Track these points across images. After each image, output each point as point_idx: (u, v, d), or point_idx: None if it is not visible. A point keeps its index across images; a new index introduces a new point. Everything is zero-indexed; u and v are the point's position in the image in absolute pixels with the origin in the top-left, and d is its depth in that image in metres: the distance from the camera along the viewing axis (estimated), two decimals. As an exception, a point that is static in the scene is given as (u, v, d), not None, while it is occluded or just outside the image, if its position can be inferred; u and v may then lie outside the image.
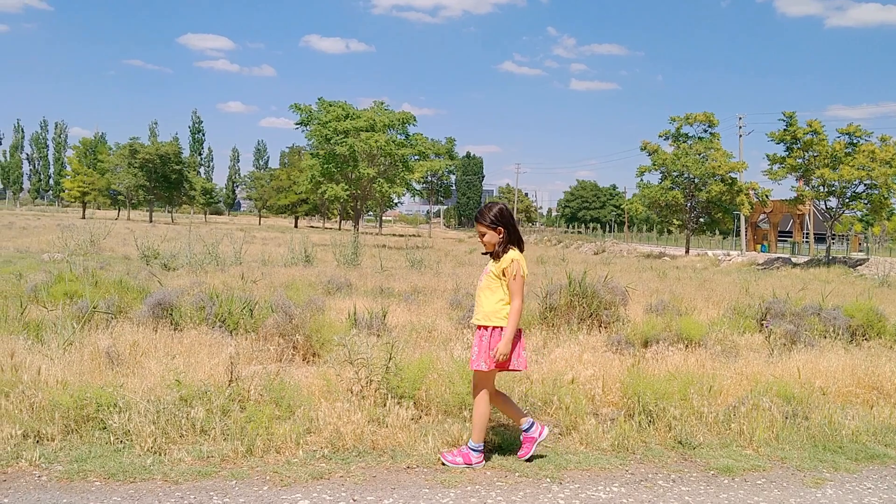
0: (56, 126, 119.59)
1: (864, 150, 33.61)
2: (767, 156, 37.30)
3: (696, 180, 43.41)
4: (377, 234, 69.29)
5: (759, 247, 58.55)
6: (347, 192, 45.68)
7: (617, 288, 10.40)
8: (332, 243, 23.87)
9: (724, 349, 8.43)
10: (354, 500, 4.26)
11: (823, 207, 37.95)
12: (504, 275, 4.83)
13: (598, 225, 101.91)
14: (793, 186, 38.91)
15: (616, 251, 47.28)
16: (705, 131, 44.91)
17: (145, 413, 5.02)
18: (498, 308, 4.84)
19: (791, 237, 62.82)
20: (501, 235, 4.90)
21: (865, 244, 51.30)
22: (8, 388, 5.20)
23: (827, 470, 5.16)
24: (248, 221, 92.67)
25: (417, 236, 64.97)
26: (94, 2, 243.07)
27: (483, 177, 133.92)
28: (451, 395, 5.80)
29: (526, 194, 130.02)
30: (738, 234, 57.29)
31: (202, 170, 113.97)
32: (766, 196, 44.01)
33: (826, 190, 35.44)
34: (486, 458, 4.99)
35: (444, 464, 4.87)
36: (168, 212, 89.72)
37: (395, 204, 76.24)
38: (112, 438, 4.92)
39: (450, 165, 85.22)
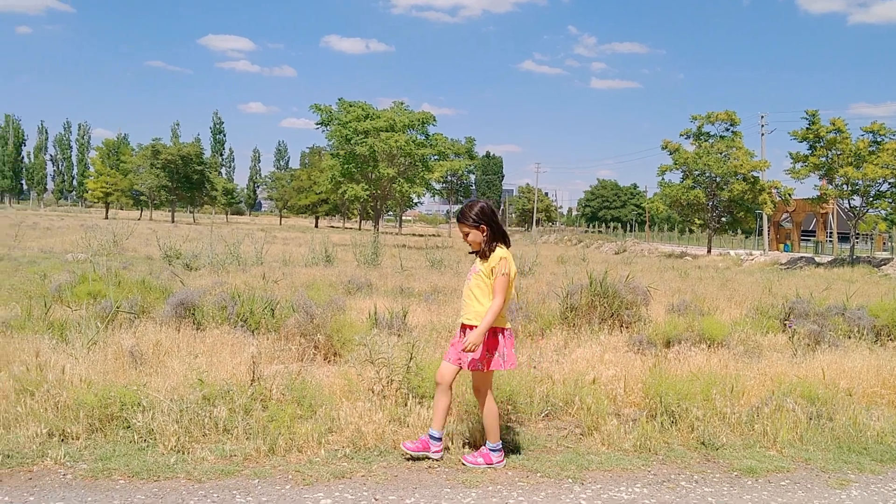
0: (79, 127, 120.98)
1: (888, 149, 33.20)
2: (790, 154, 36.97)
3: (718, 179, 43.09)
4: (397, 233, 69.42)
5: (781, 246, 58.11)
6: (367, 192, 45.79)
7: (638, 288, 10.35)
8: (352, 243, 23.94)
9: (747, 349, 8.36)
10: (376, 500, 4.26)
11: (847, 206, 37.56)
12: (492, 274, 4.80)
13: (619, 224, 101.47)
14: (816, 185, 38.63)
15: (637, 251, 47.06)
16: (727, 130, 44.59)
17: (168, 412, 5.06)
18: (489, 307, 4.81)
19: (814, 236, 62.28)
20: (485, 233, 4.87)
21: (890, 243, 50.72)
22: (33, 387, 5.26)
23: (852, 471, 5.11)
24: (269, 221, 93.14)
25: (437, 236, 65.02)
26: (115, 3, 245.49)
27: (503, 176, 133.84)
28: (471, 396, 5.78)
29: (546, 194, 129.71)
30: (760, 234, 56.85)
31: (223, 170, 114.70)
32: (789, 195, 43.61)
33: (850, 188, 35.06)
34: (506, 455, 4.99)
35: (465, 465, 4.87)
36: (190, 212, 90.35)
37: (415, 204, 76.29)
38: (136, 437, 4.97)
39: (469, 165, 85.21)
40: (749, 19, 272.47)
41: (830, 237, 59.22)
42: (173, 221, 69.08)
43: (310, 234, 46.85)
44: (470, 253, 5.07)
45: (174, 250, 18.89)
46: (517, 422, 5.74)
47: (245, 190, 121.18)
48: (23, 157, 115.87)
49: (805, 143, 35.88)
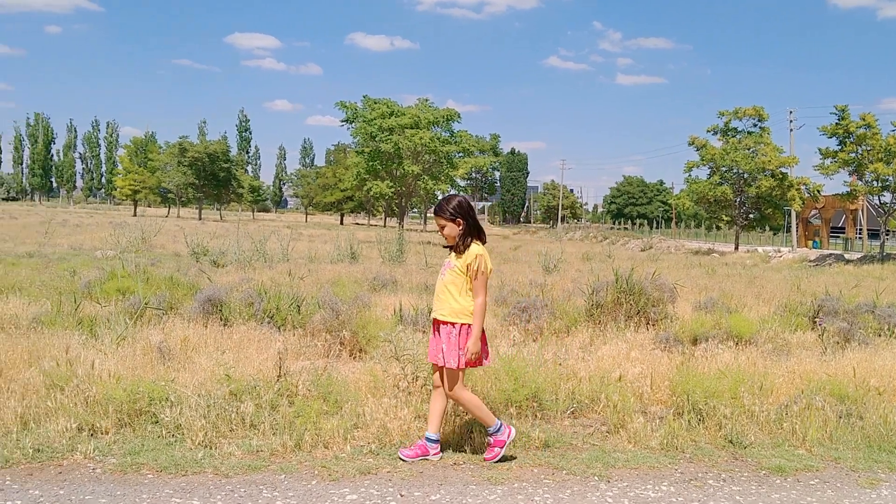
0: (108, 125, 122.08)
1: (919, 144, 32.71)
2: (819, 150, 36.53)
3: (746, 175, 42.65)
4: (422, 230, 69.48)
5: (810, 243, 57.38)
6: (392, 189, 45.93)
7: (665, 285, 10.28)
8: (377, 240, 24.02)
9: (776, 347, 8.28)
10: (402, 496, 4.27)
11: (877, 203, 37.06)
12: (468, 270, 4.77)
13: (645, 221, 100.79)
14: (845, 181, 38.05)
15: (663, 248, 46.75)
16: (755, 125, 44.09)
17: (196, 407, 5.10)
18: (466, 304, 4.78)
19: (843, 233, 61.48)
20: (461, 227, 4.84)
21: (921, 240, 49.97)
22: (63, 381, 5.33)
23: (882, 470, 5.04)
24: (295, 219, 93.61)
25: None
26: (143, 2, 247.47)
27: (527, 173, 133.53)
28: (496, 392, 5.79)
29: (571, 190, 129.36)
30: (788, 231, 56.22)
31: (250, 168, 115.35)
32: (818, 191, 43.11)
33: (880, 185, 34.58)
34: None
35: (485, 460, 4.88)
36: (217, 209, 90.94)
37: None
38: (164, 432, 5.02)
39: (494, 162, 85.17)
40: (777, 13, 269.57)
41: (860, 234, 58.42)
42: (200, 219, 69.62)
43: (335, 231, 47.05)
44: (445, 247, 5.04)
45: (201, 247, 19.05)
46: (543, 419, 5.72)
47: (271, 187, 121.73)
48: (52, 156, 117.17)
49: (834, 138, 35.45)
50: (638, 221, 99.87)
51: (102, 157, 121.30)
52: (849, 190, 37.07)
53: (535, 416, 5.73)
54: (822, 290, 13.39)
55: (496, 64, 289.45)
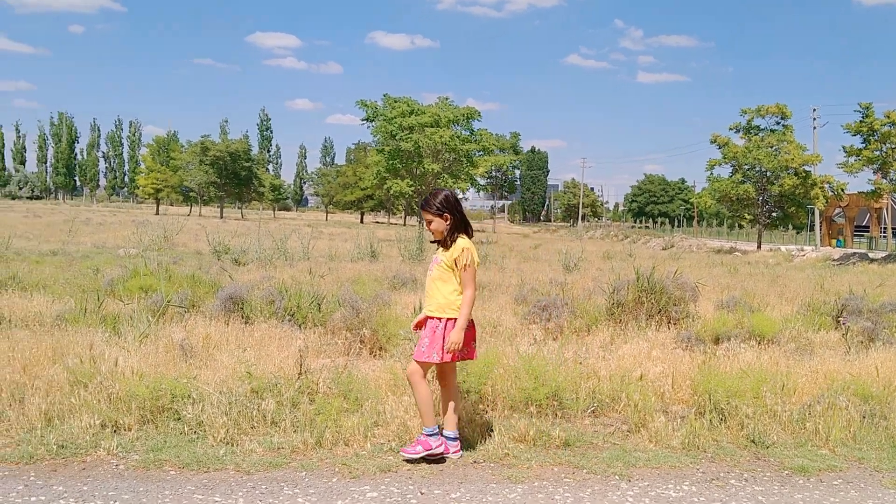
0: (130, 125, 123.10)
1: (945, 142, 32.28)
2: (843, 148, 36.13)
3: (769, 174, 42.26)
4: (442, 229, 69.39)
5: (834, 242, 56.81)
6: (412, 188, 45.90)
7: (686, 283, 10.22)
8: (397, 239, 24.03)
9: (799, 347, 8.21)
10: (422, 493, 4.28)
11: (902, 201, 36.59)
12: (456, 264, 4.75)
13: (667, 220, 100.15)
14: (870, 179, 37.53)
15: (685, 246, 46.47)
16: (778, 123, 43.66)
17: (218, 404, 5.14)
18: (452, 299, 4.76)
19: (868, 232, 60.77)
20: (448, 222, 4.82)
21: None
22: (87, 378, 5.38)
23: (908, 472, 4.99)
24: (315, 217, 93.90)
25: (482, 231, 64.95)
26: (165, 2, 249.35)
27: (548, 171, 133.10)
28: (517, 391, 5.78)
29: (592, 189, 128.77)
30: (812, 229, 55.70)
31: (270, 167, 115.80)
32: (842, 189, 42.60)
33: (905, 183, 34.17)
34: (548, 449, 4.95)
35: (406, 460, 4.75)
36: (238, 208, 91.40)
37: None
38: (186, 429, 5.05)
39: (514, 160, 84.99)
40: (801, 10, 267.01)
41: (885, 232, 57.77)
42: (222, 217, 70.03)
43: (355, 229, 47.17)
44: (432, 242, 5.02)
45: (223, 245, 19.17)
46: (563, 418, 5.70)
47: (292, 186, 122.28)
48: (76, 154, 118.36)
49: (858, 136, 35.03)
50: (659, 220, 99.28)
51: (125, 155, 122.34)
52: (873, 188, 36.65)
53: (556, 414, 5.71)
54: (845, 289, 13.25)
55: (517, 62, 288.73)
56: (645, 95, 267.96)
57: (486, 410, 5.74)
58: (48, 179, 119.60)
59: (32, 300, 9.12)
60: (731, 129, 44.81)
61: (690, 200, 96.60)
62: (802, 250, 40.78)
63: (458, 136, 45.05)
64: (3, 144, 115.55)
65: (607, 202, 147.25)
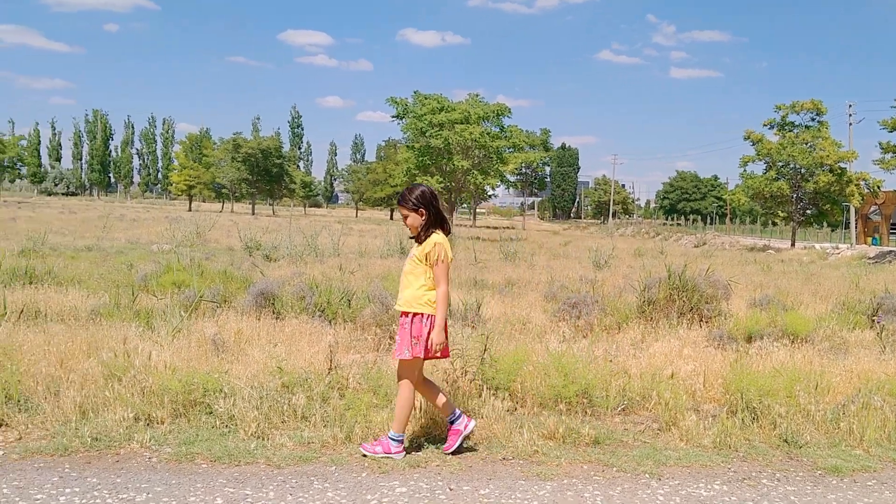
0: (164, 122, 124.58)
1: None
2: (880, 144, 35.56)
3: (803, 170, 41.73)
4: (471, 226, 69.48)
5: (869, 240, 55.87)
6: (442, 185, 45.92)
7: (719, 281, 10.12)
8: (427, 235, 24.04)
9: (833, 346, 8.11)
10: (451, 489, 4.28)
11: (941, 198, 35.92)
12: (427, 259, 4.70)
13: (699, 217, 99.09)
14: (907, 176, 36.98)
15: (717, 244, 45.99)
16: (813, 120, 43.07)
17: (249, 399, 5.18)
18: (420, 294, 4.70)
19: (905, 230, 59.74)
20: (424, 217, 4.77)
21: None
22: (121, 372, 5.45)
23: (945, 474, 4.90)
24: (346, 214, 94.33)
25: (511, 228, 64.81)
26: (198, 1, 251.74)
27: (578, 168, 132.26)
28: (546, 388, 5.76)
29: (623, 186, 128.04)
30: (847, 227, 54.84)
31: (301, 163, 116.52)
32: (878, 186, 41.94)
33: (944, 180, 33.56)
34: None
35: (364, 455, 4.73)
36: (269, 204, 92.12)
37: (489, 196, 76.21)
38: (217, 422, 5.10)
39: (544, 157, 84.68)
40: (836, 6, 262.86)
41: (922, 230, 56.71)
42: (253, 213, 70.60)
43: (385, 226, 47.28)
44: (410, 238, 4.97)
45: (254, 242, 19.33)
46: (593, 415, 5.68)
47: (322, 183, 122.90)
48: (110, 151, 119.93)
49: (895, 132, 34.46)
50: (691, 217, 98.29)
51: (159, 152, 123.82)
52: (911, 185, 36.01)
53: (585, 412, 5.69)
54: (881, 287, 13.05)
55: (547, 58, 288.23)
56: (677, 91, 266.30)
57: (516, 407, 5.73)
58: (83, 176, 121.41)
59: (68, 295, 9.26)
60: (765, 125, 44.32)
61: (723, 197, 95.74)
62: (837, 248, 40.16)
63: (487, 133, 44.99)
64: (40, 142, 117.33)
65: (638, 199, 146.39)
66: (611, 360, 6.32)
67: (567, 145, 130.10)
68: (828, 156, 40.54)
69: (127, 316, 7.82)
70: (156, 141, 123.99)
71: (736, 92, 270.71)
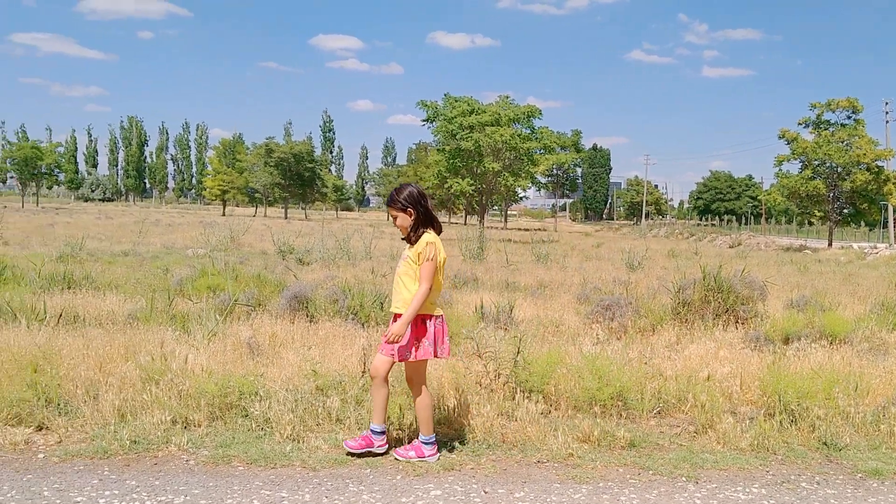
0: (197, 128, 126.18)
1: None
2: (919, 142, 34.90)
3: (840, 169, 41.09)
4: (502, 228, 69.35)
5: (909, 239, 54.88)
6: (473, 187, 45.97)
7: (754, 282, 9.99)
8: (457, 238, 24.04)
9: (872, 347, 7.97)
10: (486, 492, 4.27)
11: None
12: (420, 259, 4.66)
13: (733, 217, 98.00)
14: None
15: (753, 244, 45.42)
16: (848, 118, 42.39)
17: (284, 402, 5.22)
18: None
19: (945, 228, 58.57)
20: (413, 217, 4.74)
21: None
22: (158, 375, 5.52)
23: None
24: (377, 217, 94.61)
25: (543, 230, 64.60)
26: (230, 7, 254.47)
27: (610, 169, 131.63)
28: (580, 391, 5.73)
29: (656, 186, 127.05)
30: (885, 226, 53.92)
31: (333, 167, 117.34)
32: (917, 185, 41.19)
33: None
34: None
35: (396, 459, 4.72)
36: (302, 208, 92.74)
37: (520, 198, 76.05)
38: (253, 425, 5.14)
39: (576, 158, 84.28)
40: (870, 2, 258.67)
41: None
42: (286, 218, 71.09)
43: (417, 229, 47.28)
44: (402, 239, 4.94)
45: (287, 245, 19.47)
46: (628, 418, 5.63)
47: (354, 186, 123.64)
48: (145, 157, 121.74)
49: (935, 129, 33.84)
50: (726, 218, 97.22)
51: (192, 158, 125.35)
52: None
53: (620, 415, 5.64)
54: (922, 287, 12.80)
55: (578, 59, 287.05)
56: (710, 90, 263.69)
57: (550, 410, 5.70)
58: (119, 182, 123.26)
59: (105, 299, 9.40)
60: (800, 123, 43.71)
61: (758, 197, 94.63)
62: (875, 248, 39.45)
63: (518, 135, 44.97)
64: (76, 148, 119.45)
65: (672, 200, 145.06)
66: (645, 363, 6.27)
67: (599, 146, 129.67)
68: (864, 154, 39.90)
69: (163, 320, 7.91)
70: (190, 147, 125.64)
71: (769, 91, 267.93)
